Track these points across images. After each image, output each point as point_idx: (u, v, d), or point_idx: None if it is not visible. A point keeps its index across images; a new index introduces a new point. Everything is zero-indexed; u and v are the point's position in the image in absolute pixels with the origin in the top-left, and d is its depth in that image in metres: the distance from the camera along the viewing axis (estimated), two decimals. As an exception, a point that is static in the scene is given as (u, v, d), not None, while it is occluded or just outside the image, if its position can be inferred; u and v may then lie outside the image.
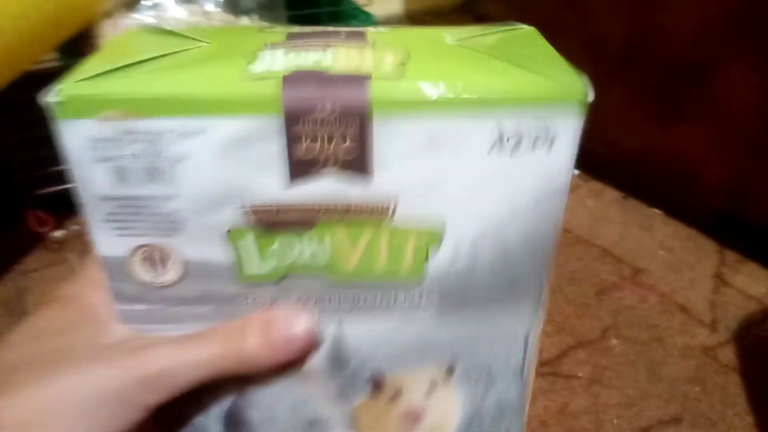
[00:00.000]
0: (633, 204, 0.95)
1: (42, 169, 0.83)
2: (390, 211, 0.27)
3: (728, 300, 0.79)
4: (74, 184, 0.25)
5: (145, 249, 0.27)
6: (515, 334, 0.32)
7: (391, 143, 0.25)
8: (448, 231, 0.28)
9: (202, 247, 0.28)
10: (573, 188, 0.97)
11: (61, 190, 0.85)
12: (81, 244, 0.88)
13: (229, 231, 0.27)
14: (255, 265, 0.29)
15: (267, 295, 0.29)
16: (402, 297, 0.30)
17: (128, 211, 0.27)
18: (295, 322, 0.29)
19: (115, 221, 0.27)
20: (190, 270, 0.28)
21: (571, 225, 0.90)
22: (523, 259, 0.29)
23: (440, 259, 0.28)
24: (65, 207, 0.91)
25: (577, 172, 1.01)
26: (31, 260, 0.85)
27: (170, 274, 0.28)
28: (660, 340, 0.72)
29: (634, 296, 0.79)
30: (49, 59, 0.85)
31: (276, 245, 0.28)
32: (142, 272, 0.28)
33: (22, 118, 0.80)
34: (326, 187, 0.26)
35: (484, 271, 0.29)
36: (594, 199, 0.96)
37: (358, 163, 0.25)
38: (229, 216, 0.27)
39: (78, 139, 0.24)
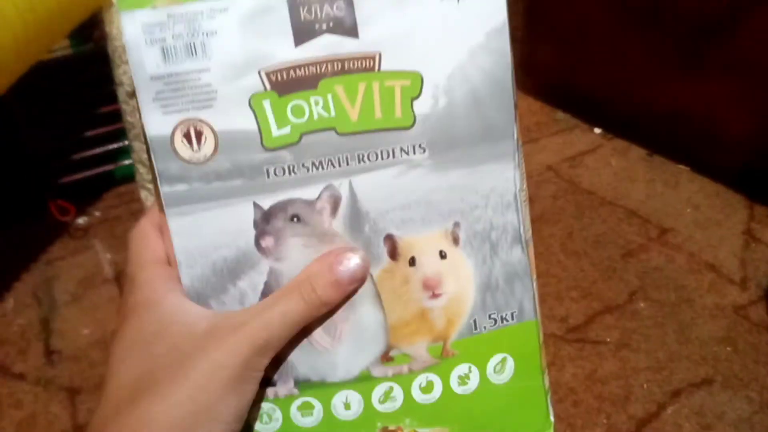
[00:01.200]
0: (658, 161, 0.93)
1: (63, 159, 0.83)
2: (377, 61, 0.33)
3: (759, 256, 0.77)
4: (132, 70, 0.32)
5: (184, 125, 0.32)
6: (504, 194, 0.37)
7: (371, 4, 0.32)
8: (425, 74, 0.34)
9: (231, 116, 0.32)
10: (596, 148, 0.96)
11: (82, 178, 0.86)
12: (104, 230, 0.89)
13: (251, 96, 0.32)
14: (276, 129, 0.33)
15: (287, 162, 0.34)
16: (399, 149, 0.35)
17: (172, 88, 0.32)
18: (349, 258, 0.33)
19: (161, 99, 0.32)
20: (221, 142, 0.33)
21: (595, 186, 0.88)
22: (490, 98, 0.35)
23: (423, 102, 0.34)
24: (87, 195, 0.92)
25: (599, 130, 0.99)
26: (56, 249, 0.86)
27: (205, 148, 0.33)
28: (689, 301, 0.71)
29: (661, 257, 0.77)
30: (61, 47, 0.85)
31: (289, 109, 0.33)
32: (183, 149, 0.32)
33: (41, 108, 0.80)
34: (325, 45, 0.32)
35: (460, 112, 0.35)
36: (618, 158, 0.94)
37: (347, 21, 0.32)
38: (251, 82, 0.32)
39: (134, 26, 0.31)
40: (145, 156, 0.75)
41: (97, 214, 0.92)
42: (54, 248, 0.86)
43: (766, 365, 0.64)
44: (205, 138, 0.32)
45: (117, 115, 0.77)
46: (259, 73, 0.32)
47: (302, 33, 0.32)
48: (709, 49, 0.84)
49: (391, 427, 0.38)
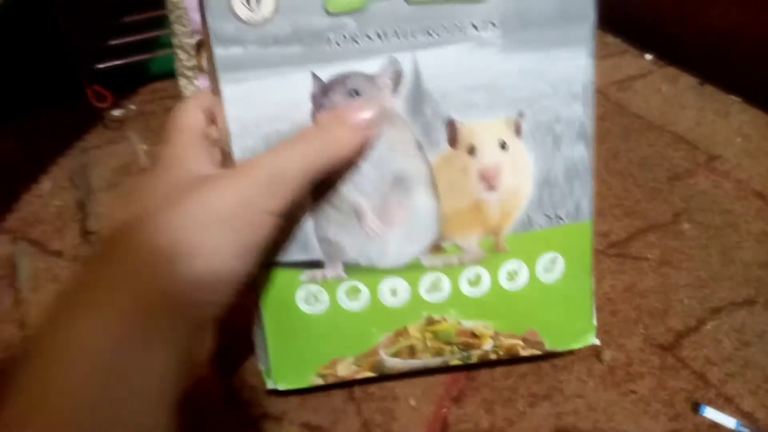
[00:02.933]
0: (709, 90, 0.90)
1: (100, 44, 0.82)
2: None
3: (808, 189, 0.75)
4: None
5: None
6: (573, 84, 0.35)
7: None
8: None
9: None
10: (646, 74, 0.92)
11: (120, 65, 0.84)
12: (139, 122, 0.88)
13: None
14: None
15: (349, 30, 0.32)
16: (469, 23, 0.32)
17: None
18: (364, 109, 0.32)
19: None
20: (282, 4, 0.30)
21: (643, 111, 0.86)
22: None
23: None
24: (123, 85, 0.91)
25: (650, 57, 0.95)
26: (92, 137, 0.86)
27: (264, 8, 0.31)
28: (734, 226, 0.69)
29: (708, 182, 0.75)
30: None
31: None
32: (241, 8, 0.30)
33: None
34: None
35: None
36: (668, 85, 0.91)
37: None
38: None
39: None
40: (186, 40, 0.73)
41: (132, 107, 0.91)
42: (90, 136, 0.86)
43: (809, 291, 0.63)
44: None
45: (158, 1, 0.74)
46: None
47: None
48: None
49: (436, 317, 0.38)
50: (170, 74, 0.78)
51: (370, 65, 0.33)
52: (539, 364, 0.54)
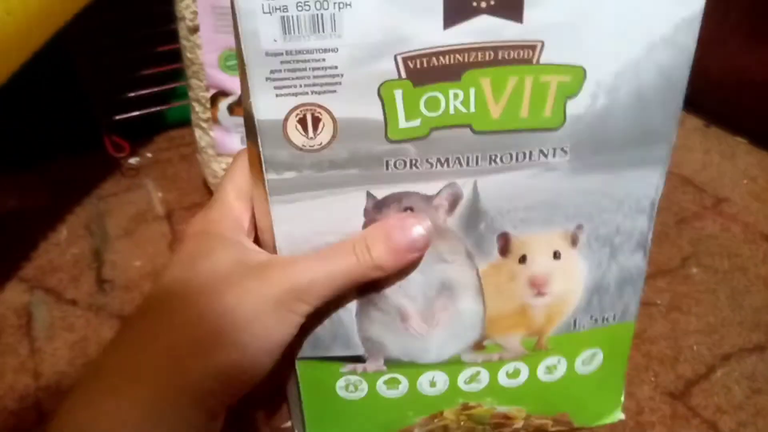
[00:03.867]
0: (715, 132, 0.91)
1: (119, 96, 0.84)
2: (537, 52, 0.27)
3: (817, 231, 0.75)
4: (241, 42, 0.27)
5: (300, 109, 0.28)
6: (641, 200, 0.34)
7: None
8: (588, 70, 0.28)
9: (355, 104, 0.28)
10: (651, 116, 0.93)
11: (137, 116, 0.87)
12: (155, 170, 0.90)
13: (382, 84, 0.28)
14: (402, 122, 0.29)
15: (410, 156, 0.30)
16: (538, 151, 0.30)
17: (290, 68, 0.27)
18: (412, 226, 0.31)
19: (276, 79, 0.27)
20: (341, 130, 0.29)
21: (649, 153, 0.87)
22: (657, 100, 0.30)
23: (580, 101, 0.29)
24: (140, 134, 0.93)
25: (655, 99, 0.96)
26: (109, 185, 0.88)
27: (322, 136, 0.29)
28: (743, 269, 0.70)
29: (715, 225, 0.76)
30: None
31: (423, 101, 0.28)
32: (296, 135, 0.29)
33: (99, 44, 0.81)
34: (479, 29, 0.26)
35: (619, 114, 0.29)
36: (673, 127, 0.92)
37: (512, 0, 0.26)
38: (384, 67, 0.27)
39: None
40: (202, 94, 0.75)
41: (149, 155, 0.93)
42: (106, 185, 0.88)
43: (821, 336, 0.63)
44: (323, 125, 0.29)
45: (174, 55, 0.77)
46: (395, 58, 0.27)
47: (455, 12, 0.27)
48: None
49: (472, 404, 0.38)
50: (186, 122, 0.81)
51: (429, 188, 0.32)
52: (549, 413, 0.54)
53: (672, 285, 0.68)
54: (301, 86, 0.28)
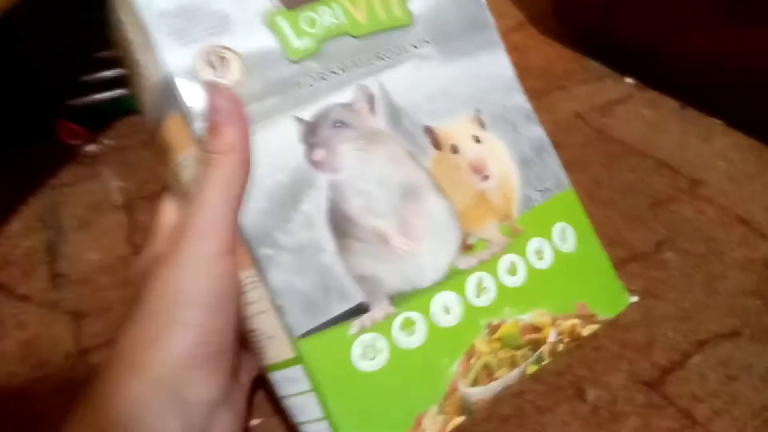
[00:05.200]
0: (692, 114, 0.89)
1: (72, 80, 0.81)
2: None
3: (793, 213, 0.74)
4: (137, 10, 0.31)
5: (205, 53, 0.32)
6: (506, 80, 0.40)
7: None
8: None
9: (251, 38, 0.33)
10: (627, 98, 0.92)
11: (93, 101, 0.83)
12: (114, 158, 0.87)
13: (266, 15, 0.33)
14: (296, 41, 0.34)
15: (315, 71, 0.34)
16: (408, 44, 0.37)
17: (183, 19, 0.31)
18: (213, 90, 0.32)
19: (175, 33, 0.31)
20: (248, 64, 0.32)
21: (625, 136, 0.85)
22: None
23: (415, 3, 0.37)
24: (98, 120, 0.89)
25: (631, 80, 0.95)
26: (65, 174, 0.84)
27: (233, 72, 0.32)
28: (718, 254, 0.68)
29: (691, 208, 0.74)
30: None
31: (302, 22, 0.34)
32: (210, 77, 0.32)
33: (51, 26, 0.77)
34: None
35: (448, 8, 0.38)
36: (650, 110, 0.90)
37: None
38: (261, 2, 0.33)
39: None
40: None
41: (108, 142, 0.89)
42: (62, 173, 0.84)
43: (797, 321, 0.61)
44: (230, 62, 0.32)
45: (130, 36, 0.73)
46: None
47: None
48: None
49: (495, 322, 0.37)
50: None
51: (343, 96, 0.36)
52: (521, 407, 0.52)
53: (646, 270, 0.66)
54: (198, 33, 0.32)
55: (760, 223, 0.72)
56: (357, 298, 0.34)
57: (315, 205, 0.34)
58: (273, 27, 0.34)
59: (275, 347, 0.32)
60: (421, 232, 0.37)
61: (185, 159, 0.33)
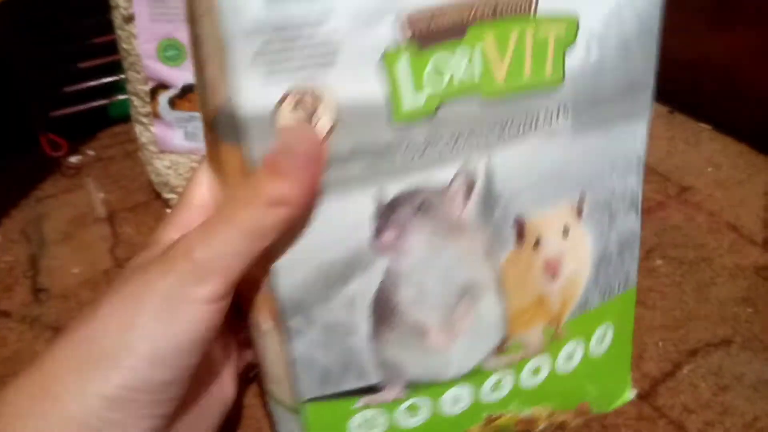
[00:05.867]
0: (680, 119, 0.89)
1: (55, 91, 0.79)
2: (534, 2, 0.27)
3: (782, 218, 0.74)
4: (221, 19, 0.21)
5: (294, 94, 0.24)
6: (631, 157, 0.34)
7: None
8: (581, 19, 0.28)
9: (355, 82, 0.24)
10: (614, 103, 0.91)
11: (75, 112, 0.82)
12: (97, 169, 0.86)
13: (384, 54, 0.24)
14: (410, 97, 0.25)
15: (421, 137, 0.27)
16: (543, 114, 0.29)
17: (277, 45, 0.23)
18: (305, 128, 0.25)
19: (262, 61, 0.23)
20: (343, 116, 0.25)
21: (612, 142, 0.85)
22: (637, 47, 0.31)
23: (576, 54, 0.29)
24: (81, 132, 0.88)
25: (618, 86, 0.94)
26: (47, 186, 0.83)
27: (324, 123, 0.25)
28: (708, 260, 0.68)
29: (680, 215, 0.74)
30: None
31: (430, 66, 0.25)
32: (293, 122, 0.24)
33: (32, 36, 0.76)
34: None
35: (609, 65, 0.30)
36: (636, 115, 0.90)
37: None
38: (385, 33, 0.24)
39: None
40: (140, 87, 0.71)
41: (91, 152, 0.88)
42: (45, 185, 0.83)
43: (787, 328, 0.61)
44: (323, 111, 0.25)
45: (113, 46, 0.72)
46: (398, 18, 0.24)
47: None
48: (743, -4, 0.79)
49: (496, 414, 0.35)
50: (130, 117, 0.76)
51: (442, 175, 0.29)
52: (510, 419, 0.51)
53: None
54: (292, 66, 0.23)
55: (749, 229, 0.72)
56: (373, 379, 0.31)
57: (363, 289, 0.29)
58: (389, 71, 0.25)
59: (278, 389, 0.31)
60: (462, 333, 0.33)
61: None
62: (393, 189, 0.28)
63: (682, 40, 0.89)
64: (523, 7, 0.27)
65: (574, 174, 0.31)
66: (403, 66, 0.25)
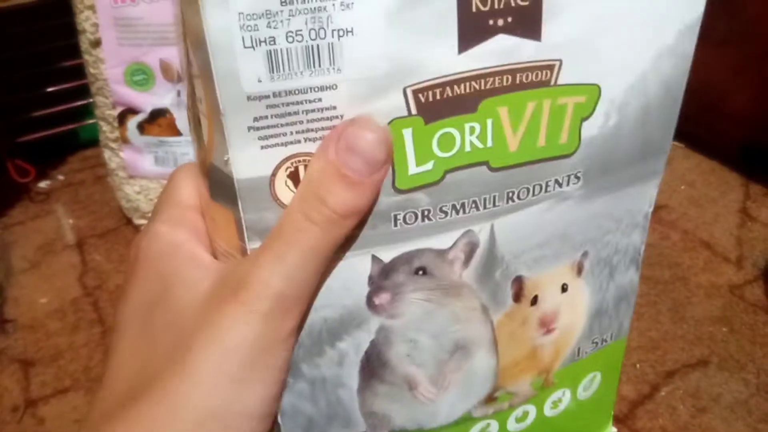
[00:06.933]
0: (652, 137, 0.90)
1: (22, 116, 0.78)
2: (555, 72, 0.25)
3: (754, 235, 0.74)
4: (215, 85, 0.20)
5: (291, 161, 0.23)
6: (636, 215, 0.31)
7: None
8: (603, 87, 0.26)
9: None
10: (587, 122, 0.92)
11: (43, 137, 0.80)
12: (67, 194, 0.84)
13: (389, 123, 0.23)
14: (412, 168, 0.24)
15: (421, 207, 0.26)
16: (553, 181, 0.28)
17: (278, 113, 0.22)
18: (359, 137, 0.23)
19: (261, 128, 0.22)
20: None
21: (586, 161, 0.85)
22: (660, 112, 0.28)
23: (594, 121, 0.26)
24: (50, 157, 0.87)
25: (591, 104, 0.95)
26: (15, 213, 0.81)
27: None
28: (683, 279, 0.68)
29: (654, 234, 0.74)
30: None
31: (435, 140, 0.24)
32: (286, 194, 0.23)
33: (0, 58, 0.75)
34: (495, 50, 0.23)
35: (627, 131, 0.28)
36: (610, 133, 0.91)
37: (531, 16, 0.23)
38: (391, 103, 0.23)
39: (224, 17, 0.20)
40: (108, 112, 0.69)
41: (61, 177, 0.86)
42: (13, 212, 0.81)
43: (762, 346, 0.61)
44: None
45: (81, 70, 0.71)
46: (404, 91, 0.23)
47: (471, 33, 0.23)
48: (714, 17, 0.80)
49: None
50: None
51: (443, 240, 0.28)
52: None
53: (613, 299, 0.65)
54: (292, 134, 0.22)
55: (723, 246, 0.72)
56: (359, 428, 0.30)
57: (354, 345, 0.28)
58: (394, 140, 0.24)
59: None
60: (452, 384, 0.32)
61: (227, 250, 0.26)
62: (391, 254, 0.27)
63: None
64: (543, 78, 0.25)
65: (577, 236, 0.30)
66: (407, 137, 0.24)
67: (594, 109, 0.27)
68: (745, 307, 0.65)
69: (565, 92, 0.26)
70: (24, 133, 0.78)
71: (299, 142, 0.23)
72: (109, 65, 0.65)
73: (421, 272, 0.27)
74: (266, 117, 0.22)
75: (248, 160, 0.22)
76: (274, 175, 0.23)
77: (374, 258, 0.26)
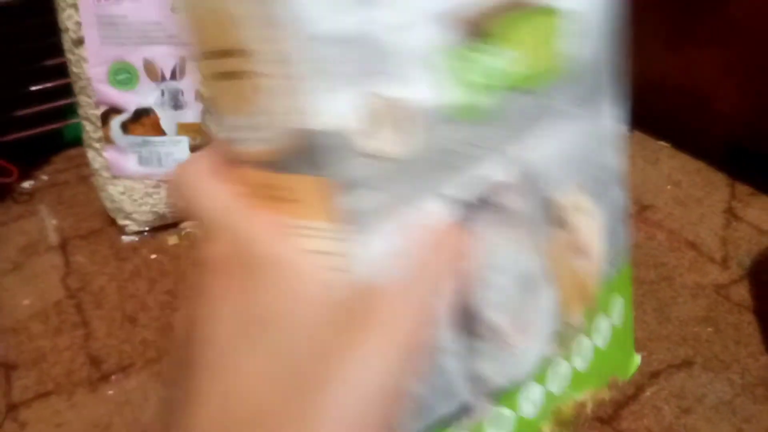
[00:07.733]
0: (638, 137, 0.90)
1: (4, 116, 0.77)
2: None
3: (740, 235, 0.75)
4: (284, 28, 0.19)
5: (370, 102, 0.22)
6: (606, 132, 0.34)
7: None
8: (576, 8, 0.29)
9: (428, 86, 0.23)
10: (574, 122, 0.92)
11: (26, 137, 0.79)
12: (51, 194, 0.83)
13: (433, 53, 0.23)
14: (457, 96, 0.25)
15: (470, 138, 0.26)
16: (561, 102, 0.30)
17: (345, 51, 0.21)
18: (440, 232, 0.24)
19: (332, 69, 0.21)
20: (424, 124, 0.23)
21: (573, 161, 0.85)
22: (610, 29, 0.32)
23: (575, 42, 0.29)
24: (34, 157, 0.86)
25: (578, 104, 0.95)
26: (-2, 213, 0.80)
27: (403, 134, 0.23)
28: (668, 279, 0.68)
29: (640, 234, 0.74)
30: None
31: (476, 62, 0.25)
32: (371, 139, 0.22)
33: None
34: None
35: (599, 48, 0.31)
36: (597, 133, 0.91)
37: None
38: (436, 33, 0.23)
39: None
40: (92, 111, 0.69)
41: (45, 177, 0.85)
42: (-5, 213, 0.80)
43: (747, 346, 0.61)
44: (400, 119, 0.23)
45: (65, 69, 0.70)
46: (444, 19, 0.23)
47: None
48: (700, 17, 0.80)
49: (558, 408, 0.35)
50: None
51: (492, 170, 0.29)
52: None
53: (599, 299, 0.66)
54: (365, 72, 0.21)
55: (709, 246, 0.73)
56: (461, 397, 0.30)
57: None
58: (438, 69, 0.24)
59: None
60: (532, 328, 0.33)
61: (316, 227, 0.23)
62: (454, 189, 0.27)
63: (640, 61, 0.90)
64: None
65: (581, 156, 0.33)
66: (448, 64, 0.24)
67: (575, 32, 0.29)
68: (730, 307, 0.65)
69: (549, 13, 0.28)
70: (7, 133, 0.77)
71: (377, 80, 0.21)
72: (92, 64, 0.64)
73: (484, 204, 0.28)
74: (336, 56, 0.21)
75: (322, 109, 0.21)
76: (356, 118, 0.22)
77: (447, 199, 0.26)
